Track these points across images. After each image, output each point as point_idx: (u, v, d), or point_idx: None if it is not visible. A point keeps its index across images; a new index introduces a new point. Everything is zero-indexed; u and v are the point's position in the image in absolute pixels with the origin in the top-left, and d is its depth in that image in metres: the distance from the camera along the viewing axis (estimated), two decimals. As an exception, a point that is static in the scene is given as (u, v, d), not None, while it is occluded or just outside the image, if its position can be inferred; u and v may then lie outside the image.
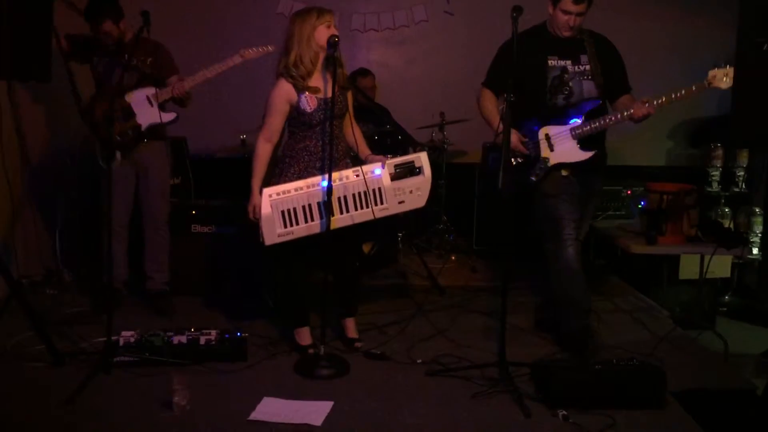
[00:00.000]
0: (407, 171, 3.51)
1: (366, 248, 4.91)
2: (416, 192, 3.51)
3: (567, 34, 3.60)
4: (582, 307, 3.64)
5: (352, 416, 2.94)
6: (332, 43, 3.32)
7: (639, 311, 4.41)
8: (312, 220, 3.38)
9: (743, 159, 5.30)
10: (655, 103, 3.48)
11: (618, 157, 6.11)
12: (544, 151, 3.65)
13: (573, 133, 3.60)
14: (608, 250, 5.19)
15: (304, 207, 3.37)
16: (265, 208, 3.35)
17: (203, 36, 6.08)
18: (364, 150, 3.60)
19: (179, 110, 4.11)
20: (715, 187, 5.32)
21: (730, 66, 3.36)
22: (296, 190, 3.38)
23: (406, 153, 5.02)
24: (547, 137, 3.65)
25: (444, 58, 6.15)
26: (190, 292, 4.38)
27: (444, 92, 6.00)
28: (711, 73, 3.44)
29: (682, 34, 5.98)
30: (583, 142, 3.60)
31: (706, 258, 4.21)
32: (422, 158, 3.55)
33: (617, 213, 5.11)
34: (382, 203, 3.46)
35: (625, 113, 3.53)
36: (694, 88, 3.45)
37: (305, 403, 3.03)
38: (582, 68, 3.64)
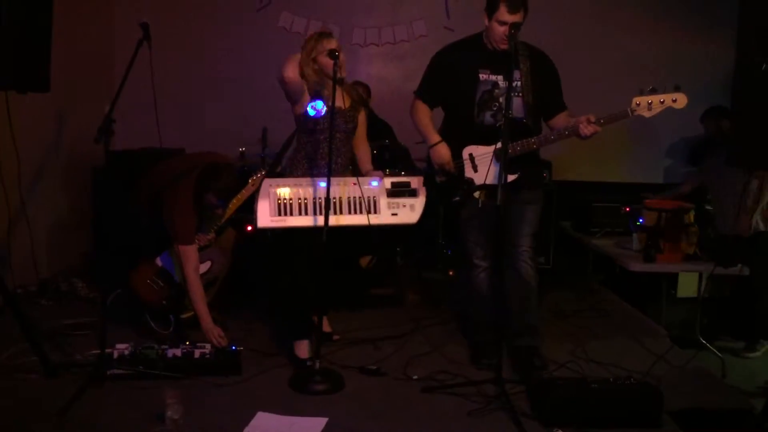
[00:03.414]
0: (403, 191, 3.61)
1: (364, 262, 4.90)
2: (409, 208, 3.61)
3: (503, 46, 3.39)
4: (486, 326, 3.69)
5: (347, 432, 2.92)
6: (333, 56, 3.31)
7: (636, 329, 4.39)
8: (306, 214, 3.49)
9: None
10: (601, 121, 3.36)
11: (616, 174, 6.15)
12: (468, 172, 3.56)
13: (497, 155, 3.46)
14: (606, 267, 5.18)
15: (299, 201, 3.47)
16: (264, 195, 3.45)
17: (205, 49, 6.12)
18: (365, 166, 3.70)
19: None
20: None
21: (652, 93, 3.31)
22: (295, 184, 3.50)
23: (405, 169, 5.02)
24: (471, 157, 3.55)
25: (443, 73, 6.15)
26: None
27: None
28: (635, 100, 3.33)
29: (681, 53, 6.00)
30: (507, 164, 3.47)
31: (705, 276, 4.20)
32: (418, 181, 3.64)
33: (615, 230, 5.10)
34: (375, 212, 3.56)
35: (565, 132, 3.42)
36: (617, 114, 3.35)
37: (299, 418, 3.00)
38: (513, 84, 3.47)
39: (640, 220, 4.47)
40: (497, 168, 3.37)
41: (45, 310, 4.34)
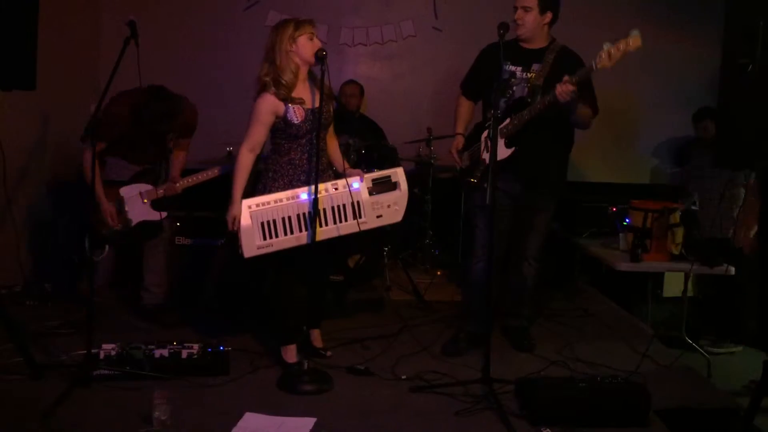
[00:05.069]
0: (384, 185, 3.52)
1: (351, 262, 4.90)
2: (393, 206, 3.52)
3: (518, 32, 3.60)
4: (478, 318, 3.75)
5: (335, 432, 2.92)
6: (320, 57, 3.24)
7: (623, 328, 4.42)
8: (291, 232, 3.34)
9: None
10: (574, 79, 3.37)
11: (602, 174, 6.18)
12: (483, 153, 3.72)
13: (500, 131, 3.59)
14: (593, 267, 5.20)
15: (284, 219, 3.34)
16: (245, 220, 3.30)
17: (192, 48, 6.08)
18: (341, 163, 3.59)
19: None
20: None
21: (617, 43, 3.30)
22: (276, 201, 3.34)
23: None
24: (486, 141, 3.71)
25: (431, 73, 6.17)
26: (173, 304, 4.32)
27: (431, 107, 6.03)
28: (598, 54, 3.35)
29: (668, 54, 6.03)
30: (510, 140, 3.63)
31: (690, 276, 4.23)
32: (398, 173, 3.54)
33: (602, 230, 5.12)
34: (361, 217, 3.45)
35: (547, 98, 3.46)
36: (585, 69, 3.39)
37: (287, 419, 2.99)
38: (529, 76, 3.64)
39: (627, 220, 4.49)
40: (501, 142, 3.59)
41: (30, 310, 4.30)
